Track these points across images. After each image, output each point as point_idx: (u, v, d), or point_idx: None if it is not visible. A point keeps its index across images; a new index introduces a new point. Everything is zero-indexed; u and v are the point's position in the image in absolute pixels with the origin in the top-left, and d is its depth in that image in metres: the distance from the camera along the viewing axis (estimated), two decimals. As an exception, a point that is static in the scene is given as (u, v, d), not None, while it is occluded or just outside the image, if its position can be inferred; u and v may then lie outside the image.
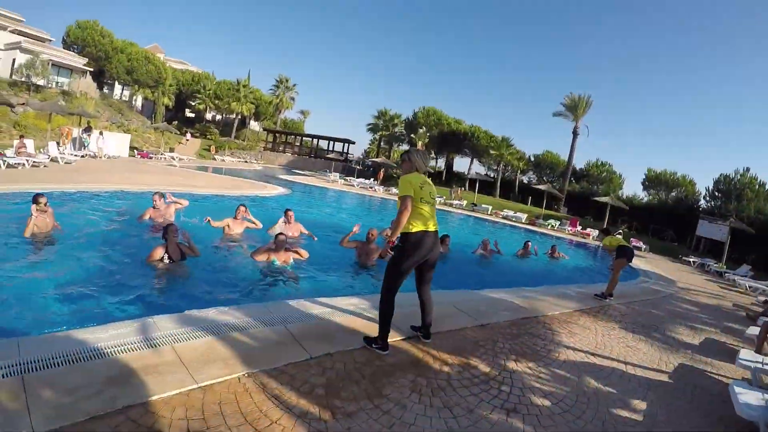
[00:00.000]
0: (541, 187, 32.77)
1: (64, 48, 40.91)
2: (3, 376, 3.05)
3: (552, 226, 25.67)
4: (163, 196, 9.67)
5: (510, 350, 5.07)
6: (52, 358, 3.34)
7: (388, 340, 4.44)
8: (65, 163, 19.04)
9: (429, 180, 4.54)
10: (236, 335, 4.26)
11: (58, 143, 21.31)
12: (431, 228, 4.41)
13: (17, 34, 36.76)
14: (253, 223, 9.75)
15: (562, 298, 8.13)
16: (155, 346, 3.81)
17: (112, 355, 3.53)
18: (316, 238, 10.07)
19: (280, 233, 7.78)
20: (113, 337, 3.83)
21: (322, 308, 5.37)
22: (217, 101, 52.95)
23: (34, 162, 16.46)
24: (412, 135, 49.19)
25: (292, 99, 59.93)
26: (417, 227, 4.32)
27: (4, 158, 14.94)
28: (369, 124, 55.28)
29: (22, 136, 18.54)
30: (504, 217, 26.56)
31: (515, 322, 6.15)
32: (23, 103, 26.31)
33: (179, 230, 6.96)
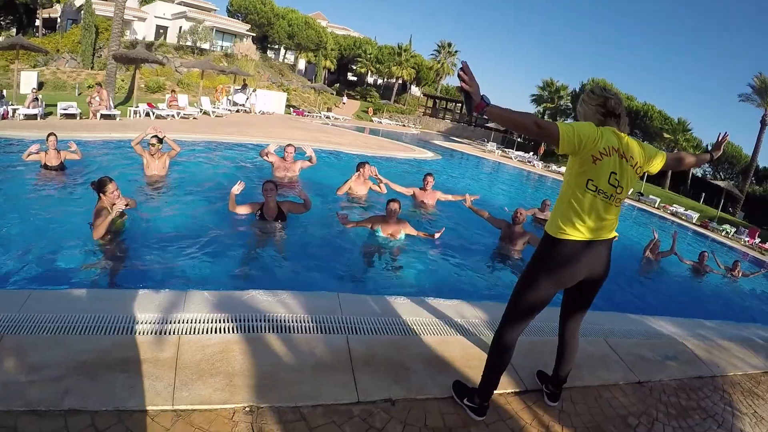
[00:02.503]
0: (719, 183, 28.05)
1: (228, 16, 46.26)
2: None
3: (726, 232, 21.55)
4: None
5: None
6: (48, 322, 3.03)
7: (491, 398, 2.95)
8: (216, 116, 20.68)
9: (630, 149, 2.59)
10: (271, 339, 3.21)
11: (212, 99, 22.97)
12: (600, 236, 2.64)
13: (183, 5, 42.35)
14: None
15: (746, 346, 5.68)
16: (162, 333, 3.07)
17: (109, 332, 3.05)
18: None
19: (394, 200, 6.44)
20: (123, 309, 3.27)
21: (411, 315, 4.03)
22: (378, 65, 54.91)
23: (183, 114, 18.00)
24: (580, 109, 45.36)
25: (454, 65, 59.25)
26: (569, 231, 2.60)
27: (154, 110, 16.15)
28: (533, 95, 52.94)
29: (173, 91, 20.74)
30: (672, 213, 22.79)
31: (684, 385, 4.13)
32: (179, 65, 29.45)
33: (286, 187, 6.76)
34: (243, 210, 6.23)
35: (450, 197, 9.01)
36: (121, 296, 3.56)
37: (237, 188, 5.93)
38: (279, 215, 6.33)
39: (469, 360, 3.44)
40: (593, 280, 2.76)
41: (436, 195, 9.01)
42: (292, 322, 3.42)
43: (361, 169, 8.53)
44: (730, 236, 21.41)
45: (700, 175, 43.15)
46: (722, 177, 40.09)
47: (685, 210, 23.54)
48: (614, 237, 2.71)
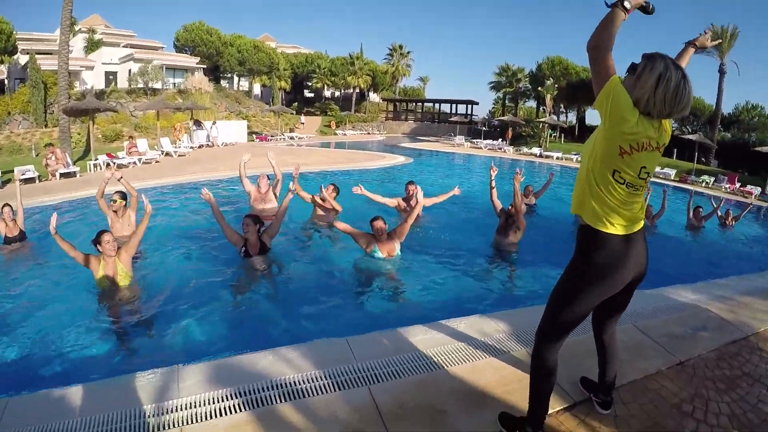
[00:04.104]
0: (691, 137, 28.08)
1: (176, 52, 45.52)
2: None
3: (706, 183, 21.84)
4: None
5: (731, 416, 3.03)
6: None
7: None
8: (179, 156, 20.04)
9: (664, 135, 2.22)
10: (286, 411, 2.79)
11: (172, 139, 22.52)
12: (635, 228, 2.32)
13: (130, 47, 41.62)
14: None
15: (766, 297, 5.61)
16: (160, 429, 2.60)
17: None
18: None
19: (376, 218, 6.06)
20: (112, 404, 2.79)
21: (432, 345, 3.65)
22: (333, 78, 54.72)
23: (145, 160, 17.36)
24: (539, 88, 46.47)
25: (408, 66, 59.96)
26: (612, 224, 2.25)
27: (114, 160, 15.78)
28: (491, 83, 53.18)
29: (131, 137, 20.07)
30: None
31: (722, 354, 4.02)
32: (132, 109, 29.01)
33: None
34: (230, 234, 5.87)
35: (438, 199, 8.46)
36: (107, 389, 3.07)
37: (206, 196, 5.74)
38: (262, 249, 5.96)
39: (507, 384, 3.10)
40: (638, 277, 2.43)
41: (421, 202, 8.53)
42: (304, 382, 3.01)
43: (329, 191, 7.84)
44: (710, 186, 21.60)
45: None
46: (690, 131, 40.66)
47: (662, 168, 23.65)
48: (643, 225, 2.39)
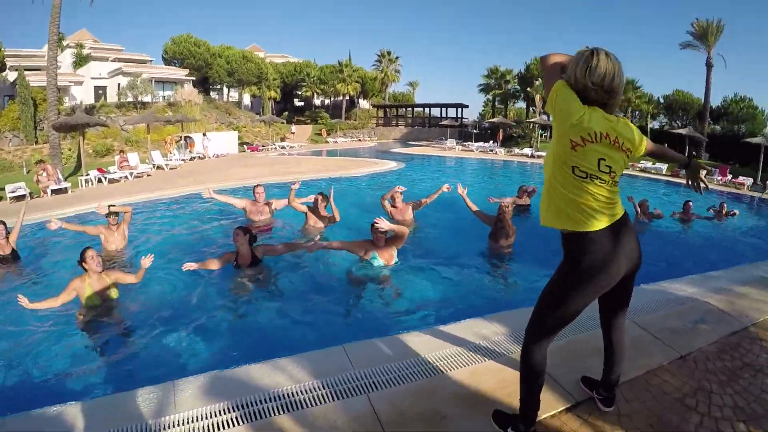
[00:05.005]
0: (681, 131, 28.54)
1: (165, 65, 45.51)
2: None
3: None
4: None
5: (735, 408, 3.03)
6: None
7: (539, 417, 2.65)
8: (170, 168, 19.94)
9: (622, 133, 2.23)
10: (285, 423, 2.74)
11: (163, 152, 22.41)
12: (616, 216, 2.31)
13: (118, 61, 41.49)
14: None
15: (763, 287, 5.66)
16: None
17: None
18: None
19: (377, 223, 5.97)
20: (108, 423, 2.71)
21: (430, 350, 3.61)
22: (322, 86, 55.13)
23: (136, 174, 17.26)
24: (528, 89, 46.85)
25: (397, 72, 60.00)
26: (590, 222, 2.26)
27: (106, 175, 15.52)
28: (480, 85, 53.83)
29: (122, 151, 19.87)
30: (642, 170, 23.05)
31: (723, 345, 4.04)
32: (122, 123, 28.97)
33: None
34: (215, 265, 5.73)
35: (428, 199, 8.40)
36: (102, 407, 3.02)
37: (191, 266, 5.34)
38: (253, 260, 5.90)
39: (507, 386, 3.07)
40: (632, 270, 2.43)
41: (409, 208, 8.40)
42: (302, 393, 2.97)
43: (318, 201, 7.83)
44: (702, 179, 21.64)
45: (657, 126, 44.04)
46: (679, 125, 40.85)
47: (653, 164, 23.72)
48: (624, 212, 2.38)
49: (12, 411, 3.04)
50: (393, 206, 8.26)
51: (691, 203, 10.58)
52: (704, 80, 36.49)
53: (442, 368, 3.31)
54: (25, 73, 26.52)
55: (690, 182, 2.89)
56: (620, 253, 2.27)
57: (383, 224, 5.52)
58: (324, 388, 3.03)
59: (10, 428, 2.77)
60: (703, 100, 38.01)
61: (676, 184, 19.08)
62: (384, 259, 5.94)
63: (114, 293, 5.15)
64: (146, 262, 5.11)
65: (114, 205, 7.39)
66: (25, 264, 7.04)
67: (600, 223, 2.23)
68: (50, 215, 9.37)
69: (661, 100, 45.74)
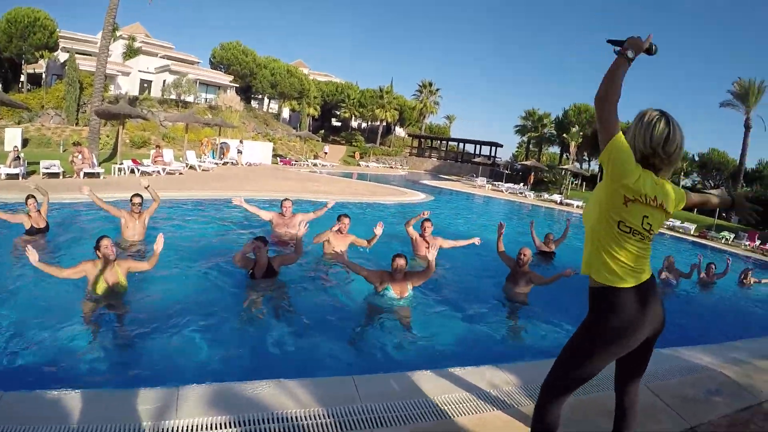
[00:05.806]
0: (713, 192, 27.20)
1: (211, 68, 46.82)
2: None
3: (726, 239, 21.23)
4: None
5: None
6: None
7: None
8: (202, 170, 20.26)
9: (667, 197, 2.25)
10: None
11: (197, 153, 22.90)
12: (641, 278, 2.26)
13: (167, 59, 43.01)
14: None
15: None
16: None
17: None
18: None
19: (400, 255, 5.89)
20: (108, 417, 2.65)
21: (439, 392, 3.47)
22: (361, 109, 55.68)
23: (169, 170, 17.63)
24: (564, 135, 46.80)
25: (436, 103, 60.39)
26: (621, 278, 2.21)
27: (139, 167, 15.92)
28: (516, 126, 54.57)
29: (158, 146, 20.41)
30: (669, 228, 22.45)
31: (735, 420, 3.87)
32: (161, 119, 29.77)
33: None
34: (239, 260, 5.76)
35: (456, 243, 8.25)
36: (104, 399, 2.98)
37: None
38: (269, 272, 5.87)
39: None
40: (655, 334, 2.36)
41: (437, 242, 8.01)
42: (306, 419, 2.86)
43: (341, 222, 7.69)
44: (730, 242, 21.06)
45: (690, 185, 43.33)
46: (712, 185, 40.12)
47: (681, 222, 23.26)
48: (652, 274, 2.34)
49: (7, 388, 3.01)
50: (421, 236, 8.16)
51: (713, 265, 10.29)
52: (741, 141, 36.16)
53: (449, 413, 3.18)
54: (76, 56, 27.59)
55: (739, 215, 2.89)
56: (647, 316, 2.23)
57: (430, 254, 5.54)
58: (329, 417, 2.92)
59: (6, 404, 2.74)
60: (738, 162, 37.60)
61: (703, 245, 18.79)
62: (397, 292, 5.83)
63: (124, 284, 5.12)
64: (158, 246, 5.09)
65: (149, 186, 7.51)
66: (50, 240, 7.24)
67: (632, 281, 2.21)
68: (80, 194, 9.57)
69: (696, 158, 45.16)
